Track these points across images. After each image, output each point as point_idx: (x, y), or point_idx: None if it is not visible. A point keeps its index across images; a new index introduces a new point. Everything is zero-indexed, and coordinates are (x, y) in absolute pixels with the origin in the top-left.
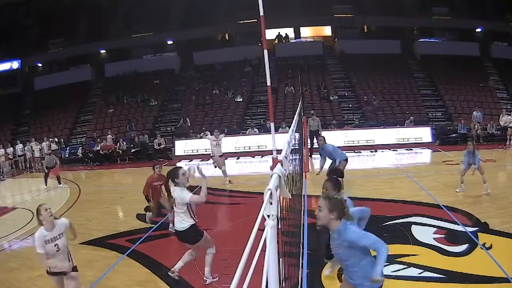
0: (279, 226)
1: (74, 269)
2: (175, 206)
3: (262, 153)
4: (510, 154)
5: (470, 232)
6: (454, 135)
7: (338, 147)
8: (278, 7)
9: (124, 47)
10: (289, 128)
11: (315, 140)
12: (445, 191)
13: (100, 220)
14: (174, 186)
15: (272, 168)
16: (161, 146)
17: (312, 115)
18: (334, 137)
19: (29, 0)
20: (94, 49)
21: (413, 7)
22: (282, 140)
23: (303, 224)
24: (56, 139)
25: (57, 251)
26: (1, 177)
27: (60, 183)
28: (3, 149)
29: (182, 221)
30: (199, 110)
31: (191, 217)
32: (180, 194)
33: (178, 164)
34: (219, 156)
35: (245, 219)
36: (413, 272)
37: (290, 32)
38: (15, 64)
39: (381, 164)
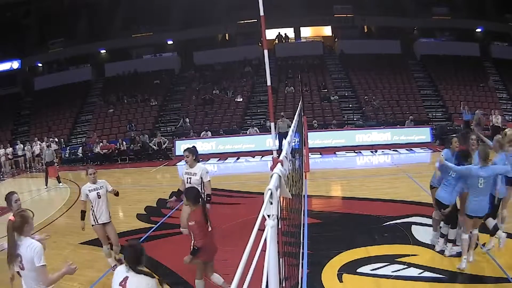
0: (279, 226)
1: None
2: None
3: (262, 153)
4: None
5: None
6: (454, 135)
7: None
8: (278, 7)
9: (124, 47)
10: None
11: (283, 141)
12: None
13: None
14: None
15: (272, 168)
16: (162, 146)
17: (282, 116)
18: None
19: (29, 0)
20: (94, 49)
21: (413, 7)
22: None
23: (303, 224)
24: (56, 139)
25: None
26: (1, 177)
27: (60, 183)
28: (3, 149)
29: None
30: (199, 110)
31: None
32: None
33: (179, 165)
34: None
35: (245, 219)
36: (413, 272)
37: (290, 32)
38: (15, 64)
39: (381, 164)
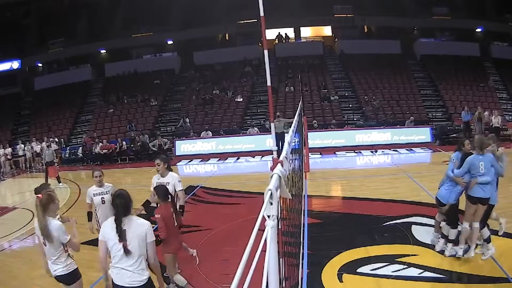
0: (279, 227)
1: None
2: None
3: (262, 153)
4: (510, 154)
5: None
6: (454, 135)
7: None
8: (278, 7)
9: (124, 47)
10: (289, 128)
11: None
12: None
13: None
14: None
15: (272, 168)
16: (163, 147)
17: (277, 116)
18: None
19: (29, 0)
20: (94, 49)
21: (413, 7)
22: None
23: (303, 224)
24: (56, 139)
25: None
26: (1, 177)
27: (60, 183)
28: (2, 149)
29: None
30: (199, 110)
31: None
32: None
33: (178, 165)
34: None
35: (245, 219)
36: (413, 272)
37: (290, 32)
38: (15, 64)
39: (382, 164)
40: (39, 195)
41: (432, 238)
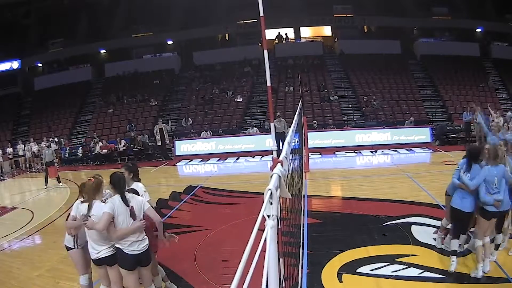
0: (279, 226)
1: None
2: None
3: (262, 153)
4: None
5: (470, 232)
6: (454, 135)
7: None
8: (278, 7)
9: (124, 47)
10: (289, 128)
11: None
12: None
13: None
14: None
15: (272, 168)
16: (164, 134)
17: (278, 117)
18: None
19: (29, 0)
20: (94, 49)
21: (413, 7)
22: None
23: (303, 224)
24: (56, 139)
25: None
26: (1, 177)
27: (59, 183)
28: (1, 149)
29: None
30: (199, 110)
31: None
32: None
33: (178, 164)
34: None
35: (245, 219)
36: (413, 272)
37: (290, 32)
38: (15, 64)
39: (381, 164)
40: (91, 178)
41: (437, 239)
